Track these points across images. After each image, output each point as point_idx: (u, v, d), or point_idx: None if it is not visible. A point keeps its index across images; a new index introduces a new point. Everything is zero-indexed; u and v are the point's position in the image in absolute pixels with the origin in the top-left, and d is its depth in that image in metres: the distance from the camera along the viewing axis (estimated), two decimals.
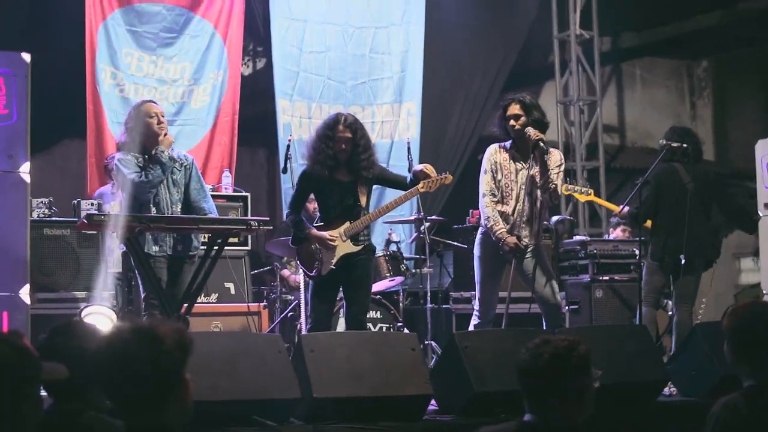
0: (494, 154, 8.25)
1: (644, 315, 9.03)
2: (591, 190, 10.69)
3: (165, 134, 7.92)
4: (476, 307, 8.32)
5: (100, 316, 7.39)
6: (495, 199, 8.18)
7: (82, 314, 7.45)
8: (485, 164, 8.26)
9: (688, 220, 9.04)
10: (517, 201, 8.18)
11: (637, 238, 9.86)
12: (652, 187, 9.17)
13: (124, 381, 3.20)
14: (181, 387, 3.27)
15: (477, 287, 8.34)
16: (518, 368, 3.93)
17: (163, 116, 8.05)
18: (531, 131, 8.06)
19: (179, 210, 7.95)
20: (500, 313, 8.44)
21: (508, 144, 8.28)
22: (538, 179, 8.13)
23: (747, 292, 16.75)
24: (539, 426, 3.90)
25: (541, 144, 8.04)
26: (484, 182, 8.22)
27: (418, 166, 8.28)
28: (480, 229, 8.36)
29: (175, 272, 7.90)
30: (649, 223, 9.55)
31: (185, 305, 7.61)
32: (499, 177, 8.19)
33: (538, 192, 8.17)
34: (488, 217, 8.13)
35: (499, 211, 8.14)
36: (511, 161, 8.21)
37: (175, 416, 3.28)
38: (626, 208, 9.65)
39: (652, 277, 9.27)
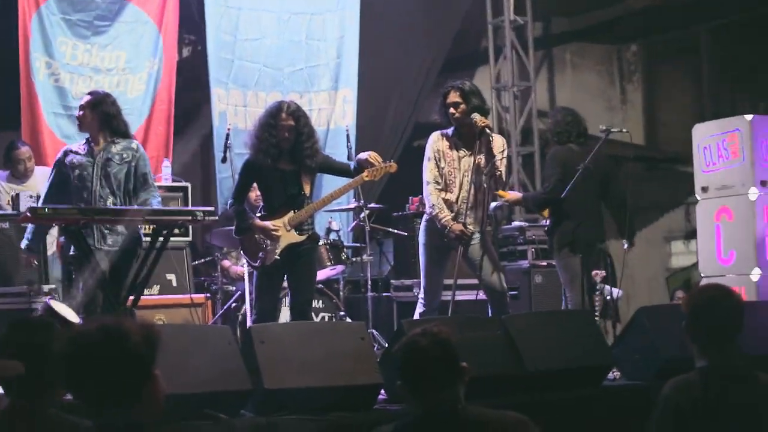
0: (436, 142, 8.25)
1: (574, 302, 8.94)
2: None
3: None
4: (421, 296, 8.34)
5: (67, 311, 7.31)
6: (439, 187, 8.19)
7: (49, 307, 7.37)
8: (428, 152, 8.27)
9: (589, 202, 9.06)
10: (460, 188, 8.19)
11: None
12: (558, 172, 9.10)
13: (92, 378, 3.16)
14: (151, 383, 3.24)
15: (422, 275, 8.34)
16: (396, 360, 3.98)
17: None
18: (477, 117, 8.07)
19: (110, 203, 7.86)
20: (446, 300, 8.44)
21: (450, 131, 8.28)
22: (482, 166, 8.14)
23: (678, 275, 16.93)
24: (417, 419, 3.91)
25: (487, 131, 8.05)
26: (428, 170, 8.22)
27: (363, 155, 8.27)
28: (424, 217, 8.38)
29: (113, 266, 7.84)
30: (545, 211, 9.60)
31: (131, 298, 7.53)
32: (442, 165, 8.20)
33: (483, 179, 8.18)
34: (433, 205, 8.15)
35: (443, 199, 8.16)
36: (454, 149, 8.23)
37: (146, 413, 3.24)
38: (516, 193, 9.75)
39: (567, 262, 9.07)
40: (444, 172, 8.20)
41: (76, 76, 11.05)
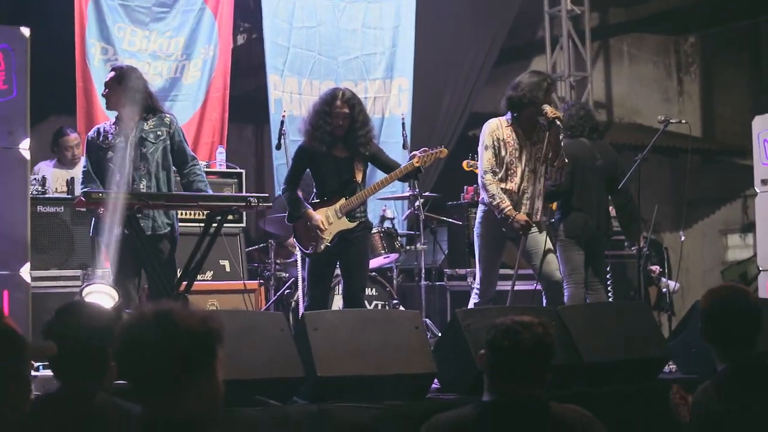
0: (496, 130, 8.14)
1: (571, 296, 8.78)
2: None
3: None
4: (476, 286, 8.27)
5: (102, 295, 7.28)
6: (497, 176, 8.10)
7: (83, 293, 7.34)
8: (486, 139, 8.15)
9: (597, 197, 8.97)
10: (522, 179, 8.11)
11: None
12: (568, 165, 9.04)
13: (144, 364, 3.10)
14: (205, 375, 3.14)
15: (478, 266, 8.27)
16: (493, 348, 3.93)
17: None
18: (548, 109, 7.98)
19: (143, 187, 7.77)
20: (500, 290, 8.38)
21: (509, 118, 8.19)
22: (550, 157, 8.06)
23: (734, 268, 16.79)
24: (503, 405, 3.90)
25: (558, 122, 7.97)
26: (486, 158, 8.11)
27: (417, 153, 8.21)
28: (481, 207, 8.27)
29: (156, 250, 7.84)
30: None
31: (184, 284, 7.52)
32: (503, 153, 8.09)
33: (543, 169, 8.11)
34: (493, 195, 8.03)
35: (502, 188, 8.07)
36: (515, 137, 8.13)
37: (197, 405, 3.13)
38: None
39: (571, 255, 8.95)
40: (505, 161, 8.09)
41: (135, 62, 11.02)
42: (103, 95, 8.23)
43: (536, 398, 3.89)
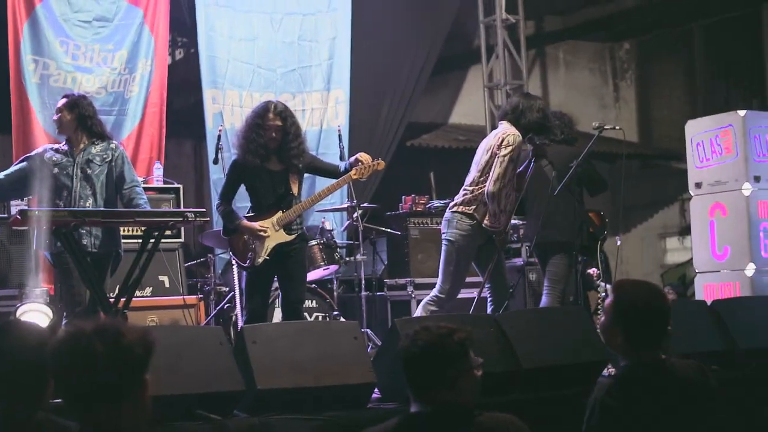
0: (520, 146, 8.27)
1: (543, 303, 8.95)
2: None
3: None
4: (437, 294, 8.25)
5: (37, 313, 7.26)
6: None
7: (18, 312, 7.32)
8: (513, 152, 8.20)
9: (538, 203, 8.98)
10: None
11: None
12: None
13: (85, 379, 3.13)
14: (140, 388, 3.22)
15: (446, 276, 8.26)
16: (399, 355, 3.98)
17: None
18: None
19: (89, 205, 7.86)
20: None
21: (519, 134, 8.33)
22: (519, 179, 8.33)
23: (673, 271, 16.94)
24: (426, 416, 3.91)
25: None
26: (508, 170, 8.18)
27: (353, 157, 8.25)
28: (466, 220, 8.25)
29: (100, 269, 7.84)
30: None
31: (122, 299, 7.51)
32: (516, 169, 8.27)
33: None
34: (505, 207, 8.21)
35: None
36: None
37: (132, 418, 3.20)
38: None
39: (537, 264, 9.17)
40: (512, 177, 8.22)
41: (78, 75, 11.01)
42: (54, 120, 8.31)
43: (456, 406, 3.89)
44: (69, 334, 3.20)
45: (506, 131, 8.23)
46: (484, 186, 8.16)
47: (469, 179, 8.34)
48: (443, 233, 8.36)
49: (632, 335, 4.41)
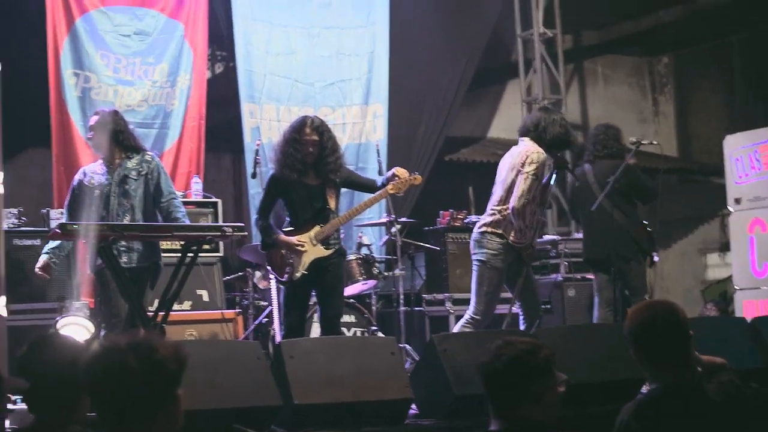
0: (545, 162, 8.26)
1: (597, 317, 9.10)
2: None
3: None
4: (471, 315, 8.23)
5: (77, 327, 7.30)
6: None
7: (58, 326, 7.36)
8: (538, 170, 8.19)
9: (590, 219, 9.15)
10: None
11: None
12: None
13: (117, 393, 3.14)
14: (172, 403, 3.23)
15: (480, 296, 8.24)
16: (480, 371, 3.94)
17: None
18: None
19: (127, 221, 7.90)
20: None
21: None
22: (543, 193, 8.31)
23: (714, 287, 16.81)
24: None
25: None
26: (530, 186, 8.14)
27: (390, 171, 8.25)
28: (496, 240, 8.23)
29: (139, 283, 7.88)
30: None
31: (161, 314, 7.53)
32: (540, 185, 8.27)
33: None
34: (531, 223, 8.20)
35: None
36: None
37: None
38: None
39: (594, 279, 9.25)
40: (536, 192, 8.21)
41: (119, 88, 11.07)
42: (88, 138, 8.38)
43: (536, 423, 3.87)
44: (103, 349, 3.21)
45: (529, 149, 8.22)
46: None
47: (494, 199, 8.33)
48: (473, 254, 8.34)
49: (651, 357, 4.37)
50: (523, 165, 8.14)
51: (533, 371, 3.87)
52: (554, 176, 8.34)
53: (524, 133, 8.41)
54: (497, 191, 8.31)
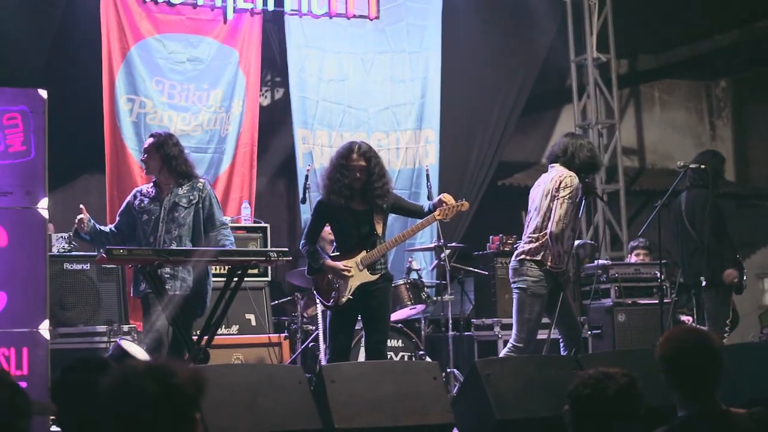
0: (578, 186, 8.27)
1: None
2: None
3: None
4: (514, 343, 8.22)
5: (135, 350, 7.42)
6: None
7: (125, 346, 7.49)
8: (573, 193, 8.20)
9: (680, 243, 9.30)
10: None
11: (657, 262, 9.86)
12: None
13: (136, 417, 3.17)
14: (191, 427, 3.24)
15: (522, 324, 8.22)
16: (574, 398, 3.99)
17: None
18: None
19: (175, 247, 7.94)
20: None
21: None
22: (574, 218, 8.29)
23: None
24: None
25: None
26: (568, 213, 8.16)
27: (437, 198, 8.27)
28: (535, 267, 8.23)
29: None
30: None
31: (205, 338, 7.58)
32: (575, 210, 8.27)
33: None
34: (567, 249, 8.22)
35: None
36: None
37: None
38: None
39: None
40: (572, 216, 8.22)
41: (174, 114, 11.19)
42: (141, 161, 8.43)
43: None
44: (121, 373, 3.24)
45: (562, 173, 8.22)
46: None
47: (531, 226, 8.31)
48: (513, 282, 8.34)
49: (681, 385, 4.36)
50: (557, 190, 8.13)
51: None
52: (583, 202, 8.30)
53: (553, 159, 8.40)
54: (533, 219, 8.30)
